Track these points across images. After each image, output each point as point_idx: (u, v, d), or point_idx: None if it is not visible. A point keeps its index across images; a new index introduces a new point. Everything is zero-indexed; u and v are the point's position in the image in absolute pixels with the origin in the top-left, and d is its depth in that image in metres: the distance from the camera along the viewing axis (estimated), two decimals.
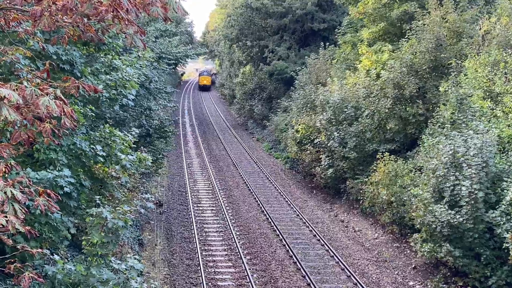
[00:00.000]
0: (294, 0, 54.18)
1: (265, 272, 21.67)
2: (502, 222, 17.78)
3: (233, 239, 25.23)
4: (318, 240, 25.57)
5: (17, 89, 6.99)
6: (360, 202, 29.06)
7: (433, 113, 25.19)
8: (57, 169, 13.54)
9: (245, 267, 21.70)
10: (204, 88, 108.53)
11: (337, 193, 33.05)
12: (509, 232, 17.19)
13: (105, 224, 12.60)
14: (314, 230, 26.67)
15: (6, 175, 7.59)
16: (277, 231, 26.49)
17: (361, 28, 39.60)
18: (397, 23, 34.80)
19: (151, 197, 20.67)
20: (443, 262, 20.31)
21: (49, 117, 7.40)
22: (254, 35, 60.68)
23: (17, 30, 8.85)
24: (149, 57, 23.81)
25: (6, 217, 6.91)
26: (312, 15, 54.17)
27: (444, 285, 20.12)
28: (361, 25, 39.87)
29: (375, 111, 28.82)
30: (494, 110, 22.45)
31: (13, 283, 10.26)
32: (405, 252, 23.94)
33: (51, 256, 13.00)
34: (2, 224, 6.86)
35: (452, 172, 19.65)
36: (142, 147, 26.41)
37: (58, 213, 12.68)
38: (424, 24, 28.84)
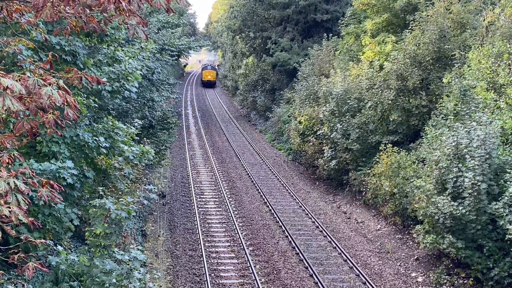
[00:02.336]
0: None
1: (268, 263, 21.73)
2: (505, 214, 17.76)
3: (236, 230, 25.28)
4: (321, 231, 25.61)
5: (19, 80, 6.99)
6: (363, 194, 29.07)
7: (436, 105, 25.14)
8: (59, 161, 13.56)
9: (247, 258, 21.77)
10: (208, 85, 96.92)
11: (339, 184, 33.07)
12: None
13: (108, 215, 12.64)
14: (317, 222, 26.70)
15: (9, 166, 7.61)
16: (280, 222, 26.53)
17: (364, 19, 39.48)
18: (400, 14, 34.66)
19: (154, 188, 20.70)
20: (446, 254, 20.33)
21: (52, 107, 7.41)
22: (257, 26, 60.52)
23: (20, 21, 8.84)
24: (152, 48, 23.76)
25: (9, 207, 6.94)
26: (315, 6, 53.99)
27: (446, 277, 20.15)
28: (365, 16, 39.76)
29: (378, 102, 28.76)
30: (498, 102, 22.39)
31: (16, 273, 10.32)
32: (408, 244, 23.96)
33: (55, 247, 13.07)
34: (5, 215, 6.88)
35: (455, 163, 19.62)
36: (145, 138, 26.44)
37: (61, 204, 12.73)
38: (427, 15, 28.73)
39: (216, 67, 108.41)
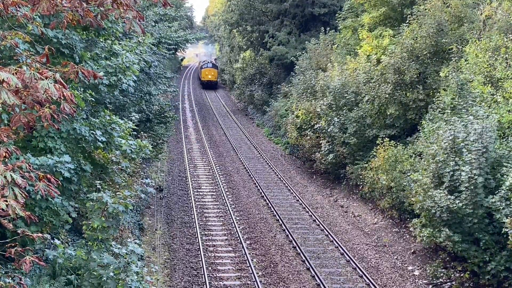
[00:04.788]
0: None
1: (265, 256, 21.77)
2: (501, 207, 17.82)
3: (233, 224, 25.32)
4: (318, 225, 25.66)
5: (16, 73, 6.97)
6: (360, 188, 29.12)
7: (434, 99, 25.16)
8: (56, 156, 13.54)
9: (245, 251, 21.81)
10: (208, 86, 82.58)
11: (337, 178, 33.11)
12: (509, 217, 17.24)
13: (105, 209, 12.65)
14: (314, 215, 26.75)
15: (6, 160, 7.60)
16: (277, 216, 26.57)
17: (361, 13, 39.43)
18: (398, 8, 34.64)
19: (151, 182, 20.73)
20: (442, 247, 20.39)
21: (49, 101, 7.39)
22: (254, 20, 60.39)
23: (16, 15, 8.80)
24: (149, 43, 23.68)
25: (6, 201, 6.93)
26: (313, 0, 53.88)
27: (443, 270, 20.22)
28: (362, 9, 39.70)
29: (376, 96, 28.77)
30: (495, 96, 22.42)
31: (14, 267, 10.32)
32: (404, 237, 24.03)
33: (52, 241, 13.08)
34: (2, 209, 6.87)
35: (452, 157, 19.66)
36: (142, 132, 26.41)
37: (58, 198, 12.72)
38: (425, 9, 28.71)
39: (215, 63, 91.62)
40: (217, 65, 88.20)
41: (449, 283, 19.74)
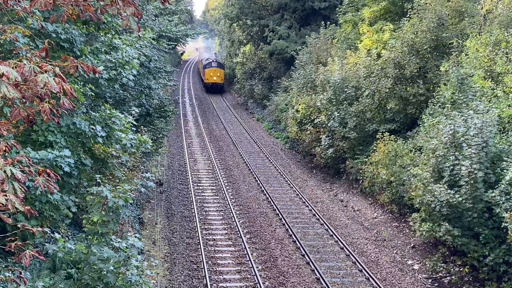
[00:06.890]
0: None
1: (265, 251, 21.80)
2: (501, 202, 17.83)
3: (233, 218, 25.34)
4: (318, 219, 25.69)
5: (16, 67, 6.96)
6: (360, 182, 29.13)
7: (434, 93, 25.15)
8: (56, 150, 13.53)
9: (245, 245, 21.83)
10: (213, 89, 71.20)
11: (336, 173, 33.12)
12: (508, 212, 17.26)
13: (105, 203, 12.64)
14: (314, 210, 26.77)
15: (6, 154, 7.59)
16: (277, 210, 26.59)
17: (362, 7, 39.38)
18: (398, 2, 34.59)
19: (151, 176, 20.72)
20: (442, 241, 20.41)
21: (48, 95, 7.38)
22: (254, 14, 60.28)
23: (16, 9, 8.78)
24: (149, 37, 23.63)
25: (5, 195, 6.92)
26: None
27: (442, 264, 20.25)
28: (362, 4, 39.64)
29: (376, 91, 28.75)
30: (495, 90, 22.40)
31: (14, 261, 10.34)
32: (404, 232, 24.06)
33: (52, 235, 13.08)
34: (1, 203, 6.87)
35: (452, 152, 19.66)
36: (142, 126, 26.38)
37: (58, 194, 12.71)
38: (426, 3, 28.66)
39: (218, 59, 77.88)
40: (223, 64, 74.21)
41: (448, 277, 19.78)
